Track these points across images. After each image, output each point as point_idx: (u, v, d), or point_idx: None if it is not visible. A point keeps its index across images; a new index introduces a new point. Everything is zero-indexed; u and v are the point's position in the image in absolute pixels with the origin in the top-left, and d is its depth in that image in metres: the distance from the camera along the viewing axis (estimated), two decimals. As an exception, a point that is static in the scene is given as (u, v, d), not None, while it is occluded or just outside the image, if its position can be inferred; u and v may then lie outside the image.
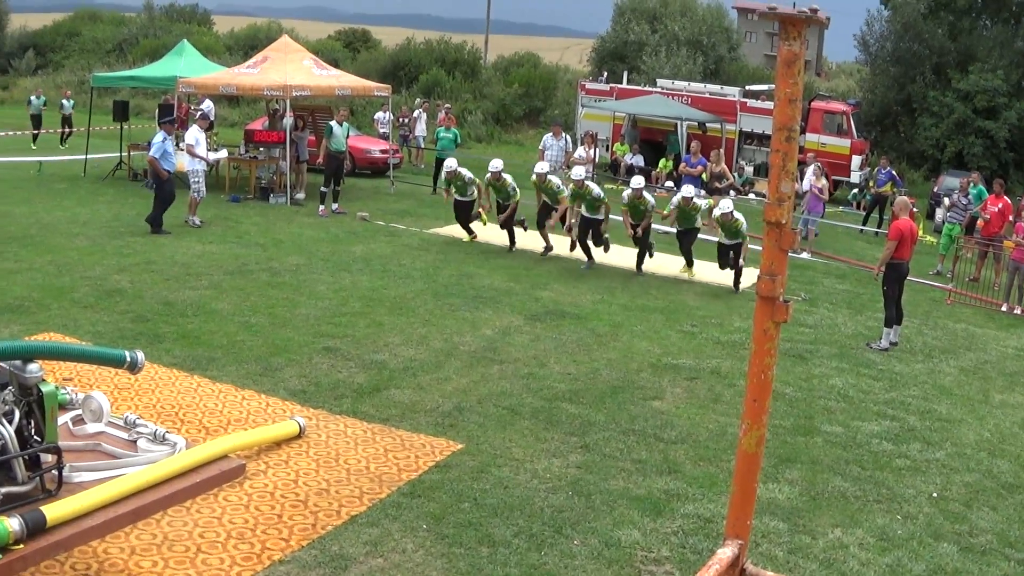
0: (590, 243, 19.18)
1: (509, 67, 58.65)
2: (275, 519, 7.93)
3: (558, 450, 9.76)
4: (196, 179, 21.22)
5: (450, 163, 20.88)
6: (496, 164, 19.82)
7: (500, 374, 12.11)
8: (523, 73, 55.86)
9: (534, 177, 19.56)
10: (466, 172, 20.52)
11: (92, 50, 72.13)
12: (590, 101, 39.54)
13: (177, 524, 7.74)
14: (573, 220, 19.95)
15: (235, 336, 13.07)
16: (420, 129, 36.81)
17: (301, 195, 25.75)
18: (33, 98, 39.41)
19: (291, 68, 26.70)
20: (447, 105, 38.67)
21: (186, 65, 29.85)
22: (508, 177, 19.74)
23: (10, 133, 38.55)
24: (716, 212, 18.16)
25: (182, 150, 22.22)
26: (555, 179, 19.76)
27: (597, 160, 28.30)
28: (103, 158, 30.21)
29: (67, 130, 38.12)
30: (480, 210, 20.82)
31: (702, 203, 19.49)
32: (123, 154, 29.23)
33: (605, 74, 45.14)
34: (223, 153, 25.29)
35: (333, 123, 24.84)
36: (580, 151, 26.12)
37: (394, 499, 8.42)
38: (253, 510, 8.04)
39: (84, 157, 29.91)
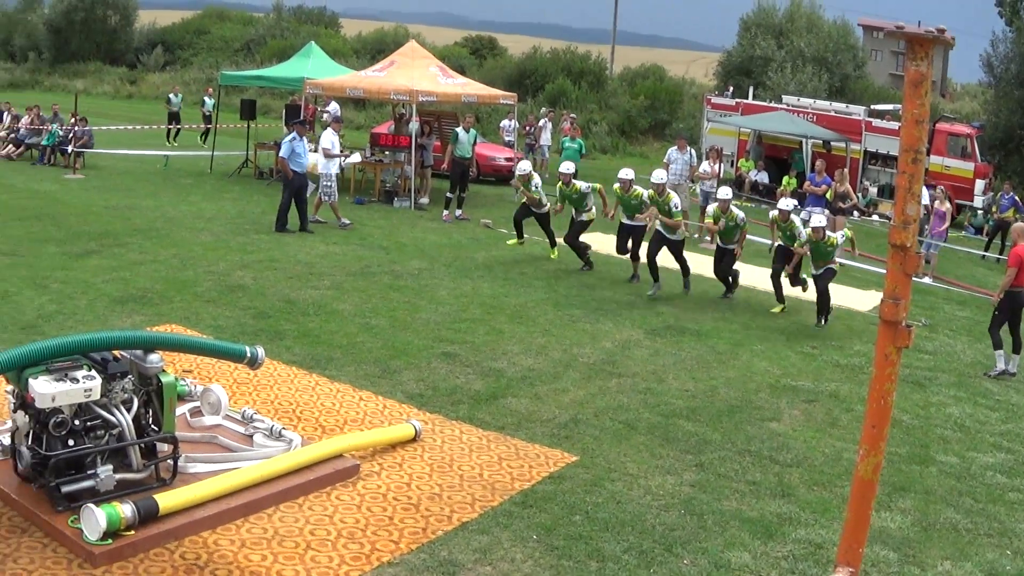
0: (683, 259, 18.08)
1: (635, 79, 58.41)
2: (386, 521, 8.04)
3: (672, 467, 9.74)
4: (328, 182, 21.60)
5: (524, 166, 20.27)
6: (627, 173, 18.51)
7: (618, 387, 12.10)
8: (648, 85, 55.60)
9: (649, 190, 18.08)
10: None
11: (220, 48, 73.62)
12: (716, 115, 39.28)
13: (288, 520, 7.89)
14: (688, 234, 19.37)
15: (355, 337, 13.28)
16: (545, 138, 36.85)
17: (425, 200, 26.02)
18: (172, 96, 39.95)
19: (418, 73, 27.03)
20: (572, 115, 38.68)
21: (313, 66, 30.39)
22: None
23: (137, 127, 39.47)
24: (810, 227, 16.73)
25: (316, 152, 22.61)
26: (675, 196, 18.59)
27: (722, 175, 28.06)
28: (229, 155, 30.85)
29: (207, 127, 38.43)
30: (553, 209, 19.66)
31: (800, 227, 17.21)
32: (249, 152, 29.84)
33: (731, 89, 44.83)
34: (356, 156, 25.68)
35: (459, 130, 25.06)
36: (705, 166, 25.97)
37: (506, 508, 8.48)
38: (365, 511, 8.16)
39: (211, 153, 30.58)
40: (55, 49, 78.27)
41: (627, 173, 18.64)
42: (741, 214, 17.59)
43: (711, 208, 18.48)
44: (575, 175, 18.75)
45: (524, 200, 19.72)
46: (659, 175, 18.53)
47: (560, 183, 19.04)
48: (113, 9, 79.51)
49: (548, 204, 19.55)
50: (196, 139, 38.44)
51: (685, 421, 11.08)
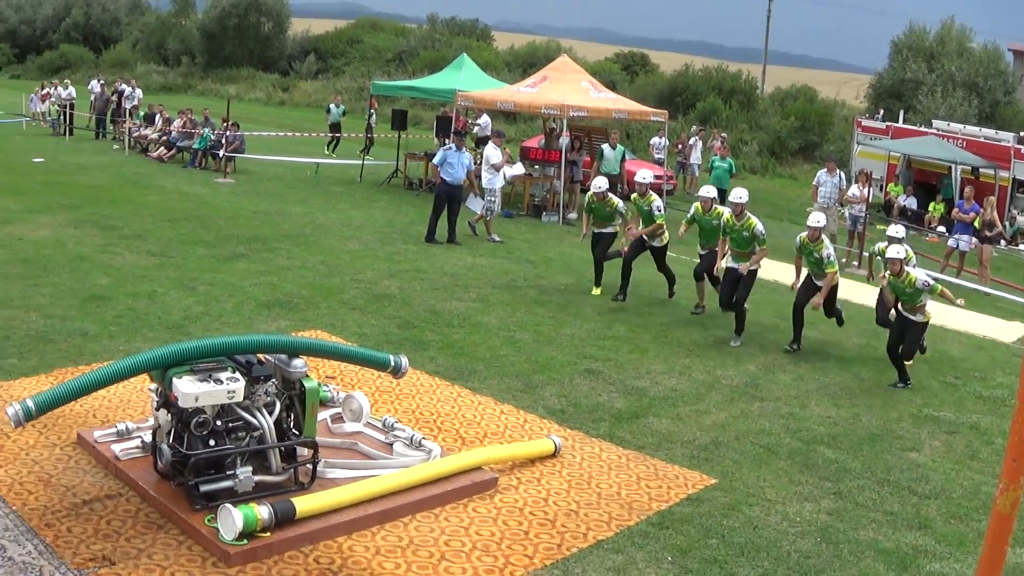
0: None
1: (785, 99, 57.89)
2: (521, 535, 8.08)
3: (811, 494, 9.64)
4: (492, 196, 21.90)
5: (599, 183, 17.85)
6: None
7: (760, 411, 12.02)
8: (799, 106, 55.00)
9: (726, 214, 15.66)
10: (618, 200, 17.84)
11: (372, 58, 74.84)
12: (865, 139, 38.80)
13: (424, 529, 7.98)
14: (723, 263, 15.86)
15: (499, 350, 13.39)
16: (695, 157, 36.75)
17: (573, 215, 26.10)
18: (332, 107, 40.16)
19: (569, 88, 27.21)
20: (723, 134, 38.53)
21: (465, 79, 30.75)
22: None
23: (287, 134, 40.26)
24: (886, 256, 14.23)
25: (479, 165, 22.93)
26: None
27: (871, 199, 27.67)
28: (379, 164, 31.30)
29: (336, 135, 39.07)
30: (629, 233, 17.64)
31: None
32: (399, 162, 30.24)
33: (881, 112, 44.21)
34: (520, 168, 25.93)
35: (605, 146, 25.18)
36: (854, 189, 25.59)
37: (642, 528, 8.46)
38: (501, 524, 8.22)
39: (361, 162, 31.09)
40: (208, 54, 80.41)
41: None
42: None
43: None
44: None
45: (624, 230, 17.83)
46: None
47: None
48: (267, 16, 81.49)
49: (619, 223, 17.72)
50: (355, 151, 38.59)
51: (826, 448, 10.96)
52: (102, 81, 43.99)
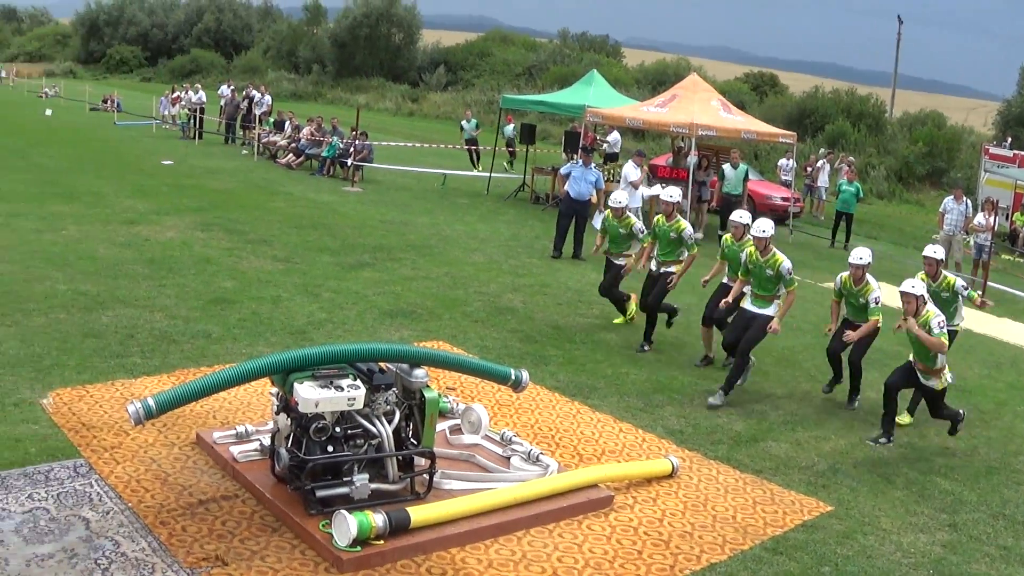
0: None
1: (914, 124, 57.03)
2: (635, 555, 8.07)
3: (926, 525, 9.52)
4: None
5: (619, 197, 15.93)
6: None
7: (880, 440, 11.92)
8: (927, 131, 54.06)
9: (749, 246, 13.31)
10: (635, 219, 15.85)
11: (502, 71, 75.42)
12: (993, 167, 38.16)
13: (537, 544, 8.00)
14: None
15: (620, 368, 13.39)
16: (822, 180, 36.38)
17: (699, 235, 25.99)
18: (464, 123, 40.09)
19: (698, 107, 27.19)
20: (850, 158, 38.14)
21: (595, 95, 30.83)
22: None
23: (416, 145, 40.61)
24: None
25: (608, 182, 23.01)
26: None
27: (997, 228, 27.17)
28: (506, 178, 31.45)
29: (473, 148, 38.88)
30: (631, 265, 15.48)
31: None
32: (526, 176, 30.36)
33: (1009, 140, 43.50)
34: (658, 188, 25.95)
35: (726, 166, 25.07)
36: (980, 218, 25.20)
37: (756, 552, 8.43)
38: (615, 543, 8.22)
39: (488, 175, 31.28)
40: (339, 63, 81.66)
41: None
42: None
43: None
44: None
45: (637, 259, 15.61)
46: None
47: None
48: (397, 27, 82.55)
49: (633, 256, 15.52)
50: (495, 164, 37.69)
51: (942, 479, 10.83)
52: (232, 86, 44.77)
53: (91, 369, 11.14)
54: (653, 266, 15.00)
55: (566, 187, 20.95)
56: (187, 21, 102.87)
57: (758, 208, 30.86)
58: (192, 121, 41.53)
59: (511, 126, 38.31)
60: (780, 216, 31.13)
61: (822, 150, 42.32)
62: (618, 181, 25.78)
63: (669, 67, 73.76)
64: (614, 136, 31.80)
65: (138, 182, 25.90)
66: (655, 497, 9.26)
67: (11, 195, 22.23)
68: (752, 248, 13.12)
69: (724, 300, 13.69)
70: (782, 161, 35.82)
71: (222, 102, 42.48)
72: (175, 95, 46.83)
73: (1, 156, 30.19)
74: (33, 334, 12.15)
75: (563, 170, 21.22)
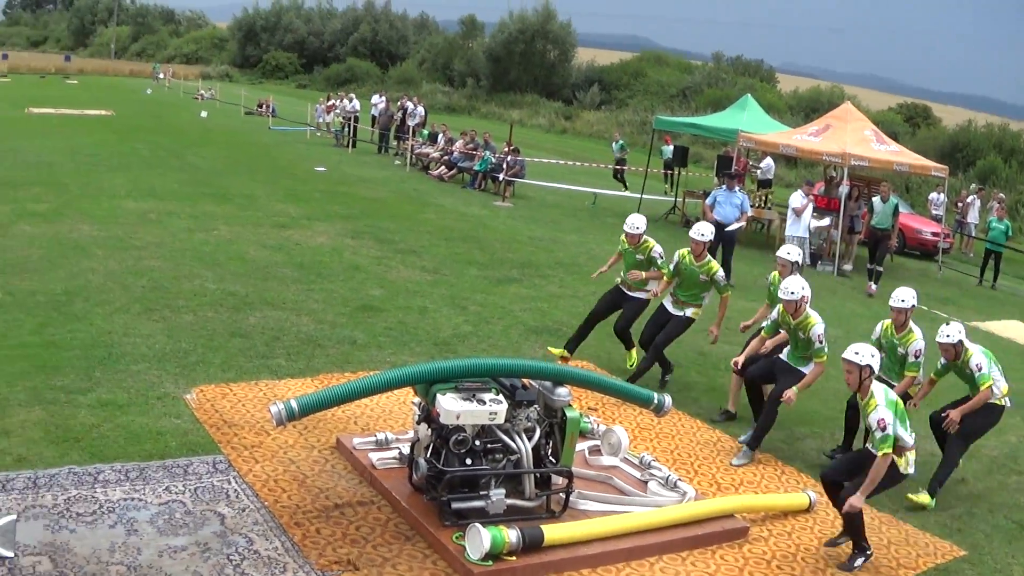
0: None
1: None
2: (768, 588, 8.08)
3: (1061, 576, 9.36)
4: (800, 246, 21.85)
5: (636, 222, 13.81)
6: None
7: (1017, 485, 11.66)
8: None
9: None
10: (654, 244, 13.96)
11: (656, 92, 75.45)
12: None
13: (669, 571, 7.99)
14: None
15: (762, 398, 13.30)
16: (973, 216, 35.74)
17: (848, 267, 25.75)
18: (613, 144, 39.98)
19: (851, 137, 26.91)
20: (1000, 195, 37.37)
21: (748, 119, 30.71)
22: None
23: (568, 163, 40.68)
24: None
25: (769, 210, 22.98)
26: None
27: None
28: (658, 200, 31.40)
29: (620, 168, 38.58)
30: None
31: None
32: (677, 199, 30.26)
33: None
34: (827, 220, 25.76)
35: (876, 199, 24.78)
36: None
37: (887, 594, 8.36)
38: (747, 574, 8.21)
39: (639, 196, 31.25)
40: (493, 78, 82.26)
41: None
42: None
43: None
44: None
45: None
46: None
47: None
48: (553, 43, 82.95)
49: (652, 288, 13.88)
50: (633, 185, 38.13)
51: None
52: (385, 96, 45.32)
53: (236, 368, 11.42)
54: (669, 304, 13.74)
55: (713, 212, 20.88)
56: (343, 30, 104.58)
57: (908, 243, 30.49)
58: (346, 129, 42.21)
59: (670, 147, 38.07)
60: (930, 252, 30.72)
61: (973, 186, 41.51)
62: (770, 207, 25.70)
63: (823, 94, 73.31)
64: (767, 162, 31.60)
65: (290, 187, 26.41)
66: (790, 531, 9.21)
67: (165, 194, 22.85)
68: (782, 308, 11.51)
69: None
70: (933, 195, 35.29)
71: (374, 111, 43.08)
72: (330, 103, 47.61)
73: (157, 156, 31.06)
74: (180, 330, 12.49)
75: (708, 200, 21.15)
